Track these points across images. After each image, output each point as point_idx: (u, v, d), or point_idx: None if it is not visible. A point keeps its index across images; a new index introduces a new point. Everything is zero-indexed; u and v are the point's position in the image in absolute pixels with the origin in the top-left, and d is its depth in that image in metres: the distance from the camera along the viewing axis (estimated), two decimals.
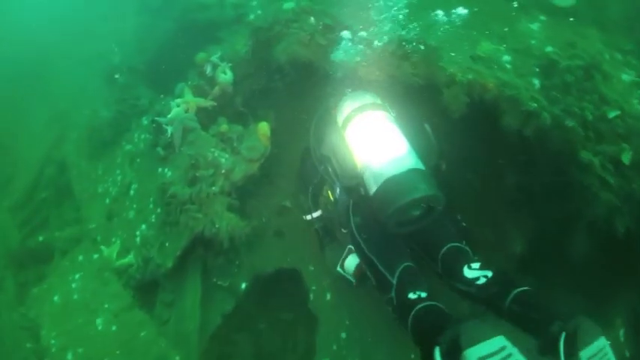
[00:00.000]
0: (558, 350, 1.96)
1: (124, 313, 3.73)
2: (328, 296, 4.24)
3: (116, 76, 5.07)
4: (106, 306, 3.80)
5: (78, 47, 5.91)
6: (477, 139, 3.77)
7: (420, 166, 2.67)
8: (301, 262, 4.51)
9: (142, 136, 4.58)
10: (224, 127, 4.12)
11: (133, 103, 4.73)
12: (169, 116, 4.11)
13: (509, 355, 1.80)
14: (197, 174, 3.86)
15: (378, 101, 3.08)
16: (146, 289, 4.23)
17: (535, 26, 3.56)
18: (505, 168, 3.67)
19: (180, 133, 4.08)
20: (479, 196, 3.94)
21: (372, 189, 2.64)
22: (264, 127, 4.01)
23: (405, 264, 2.67)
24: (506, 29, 3.54)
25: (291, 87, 4.68)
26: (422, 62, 3.37)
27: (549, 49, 3.32)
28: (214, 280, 4.31)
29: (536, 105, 3.00)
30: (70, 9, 6.22)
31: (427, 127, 2.94)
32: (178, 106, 4.17)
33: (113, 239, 4.33)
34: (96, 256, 4.16)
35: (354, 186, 2.83)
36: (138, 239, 4.20)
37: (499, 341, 1.83)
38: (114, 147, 4.79)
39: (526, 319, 2.24)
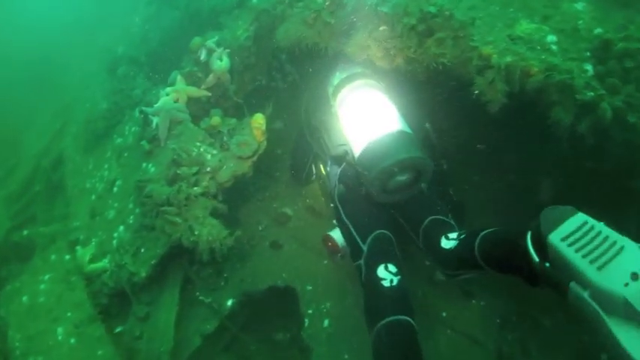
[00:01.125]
0: (529, 253, 1.76)
1: (85, 325, 3.26)
2: (326, 323, 3.65)
3: (118, 67, 4.76)
4: (69, 314, 3.34)
5: (88, 41, 5.72)
6: (515, 138, 3.10)
7: (407, 129, 2.59)
8: (298, 279, 3.94)
9: (132, 129, 4.21)
10: (216, 119, 3.63)
11: (127, 94, 4.36)
12: (156, 106, 3.67)
13: (592, 227, 1.62)
14: (178, 171, 3.36)
15: (368, 71, 2.98)
16: (120, 299, 3.78)
17: (580, 6, 2.87)
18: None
19: (167, 125, 3.62)
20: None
21: (358, 153, 2.58)
22: (258, 120, 3.47)
23: (379, 231, 2.55)
24: (547, 8, 2.86)
25: (293, 85, 4.17)
26: (450, 40, 2.70)
27: (599, 30, 2.62)
28: (197, 294, 3.79)
29: (592, 94, 2.28)
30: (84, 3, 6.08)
31: (428, 126, 2.85)
32: (168, 95, 3.74)
33: (93, 240, 3.94)
34: (68, 257, 3.75)
35: (341, 153, 2.78)
36: (115, 242, 3.76)
37: (579, 218, 1.66)
38: (106, 140, 4.46)
39: (499, 255, 2.09)
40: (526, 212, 1.98)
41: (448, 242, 2.40)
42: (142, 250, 3.58)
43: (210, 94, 3.80)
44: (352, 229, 2.62)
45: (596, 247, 1.55)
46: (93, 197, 4.23)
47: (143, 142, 3.74)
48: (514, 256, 1.88)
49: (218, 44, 3.80)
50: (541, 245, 1.69)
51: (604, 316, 1.48)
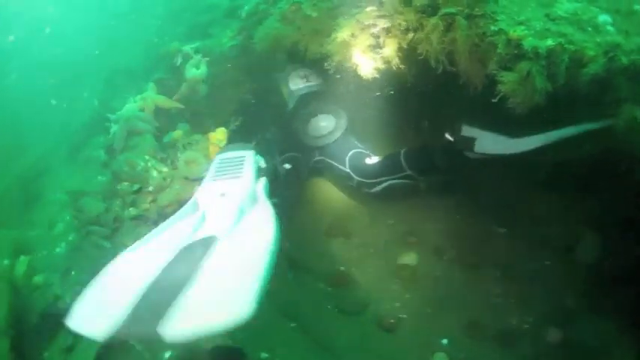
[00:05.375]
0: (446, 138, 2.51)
1: None
2: None
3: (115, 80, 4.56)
4: None
5: (95, 59, 5.63)
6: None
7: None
8: (253, 343, 3.22)
9: (102, 140, 3.85)
10: (177, 133, 3.15)
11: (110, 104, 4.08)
12: (118, 113, 3.29)
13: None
14: (118, 187, 2.89)
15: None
16: (52, 322, 3.30)
17: None
18: None
19: (124, 135, 3.20)
20: None
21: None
22: (218, 135, 2.94)
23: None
24: None
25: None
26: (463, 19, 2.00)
27: None
28: None
29: None
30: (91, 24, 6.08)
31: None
32: (135, 102, 3.35)
33: (38, 252, 3.56)
34: (6, 262, 3.36)
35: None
36: (54, 258, 3.34)
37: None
38: (84, 151, 4.18)
39: (420, 154, 2.69)
40: None
41: (371, 159, 2.81)
42: (72, 273, 3.10)
43: (182, 106, 3.37)
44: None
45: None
46: (56, 207, 3.91)
47: (100, 152, 3.36)
48: (432, 150, 2.56)
49: (197, 51, 3.40)
50: (454, 132, 2.44)
51: (499, 145, 2.36)
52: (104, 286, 1.45)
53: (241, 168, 2.10)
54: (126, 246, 2.75)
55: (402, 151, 2.69)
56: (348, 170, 2.86)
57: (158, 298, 1.28)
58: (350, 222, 3.57)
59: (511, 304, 3.10)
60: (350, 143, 2.92)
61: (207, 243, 1.57)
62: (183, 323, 1.21)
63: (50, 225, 3.77)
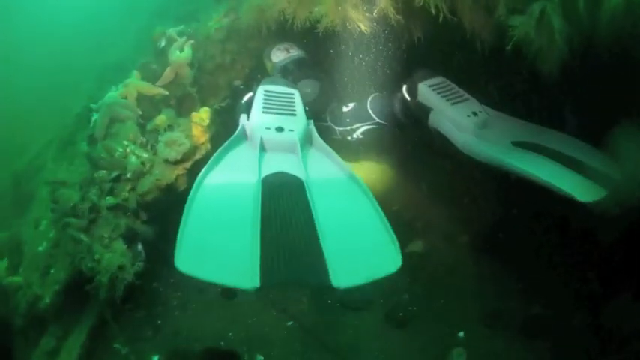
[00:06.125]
0: (404, 95, 2.46)
1: None
2: None
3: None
4: None
5: (90, 56, 5.57)
6: None
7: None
8: (248, 343, 2.99)
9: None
10: (160, 118, 2.94)
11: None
12: (100, 101, 3.11)
13: (448, 84, 2.33)
14: (95, 175, 2.69)
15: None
16: (36, 323, 3.10)
17: None
18: None
19: (105, 122, 3.00)
20: None
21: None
22: (201, 114, 2.74)
23: None
24: None
25: None
26: None
27: None
28: (114, 340, 2.98)
29: None
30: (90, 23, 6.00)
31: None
32: (117, 90, 3.17)
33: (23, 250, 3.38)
34: None
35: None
36: (36, 257, 3.14)
37: (440, 78, 2.36)
38: (72, 146, 4.02)
39: (383, 103, 2.70)
40: None
41: (347, 107, 2.82)
42: (52, 271, 2.90)
43: (166, 92, 3.17)
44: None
45: (450, 94, 2.28)
46: (43, 205, 3.74)
47: (83, 144, 3.17)
48: (394, 101, 2.53)
49: (181, 34, 3.21)
50: (412, 90, 2.38)
51: (455, 129, 2.15)
52: (208, 224, 1.39)
53: (293, 105, 2.11)
54: (101, 239, 2.58)
55: (369, 100, 2.71)
56: (329, 123, 2.81)
57: (289, 242, 1.29)
58: None
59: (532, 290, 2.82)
60: (329, 99, 2.85)
61: (292, 183, 1.59)
62: (349, 272, 1.23)
63: (36, 223, 3.60)
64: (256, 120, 1.98)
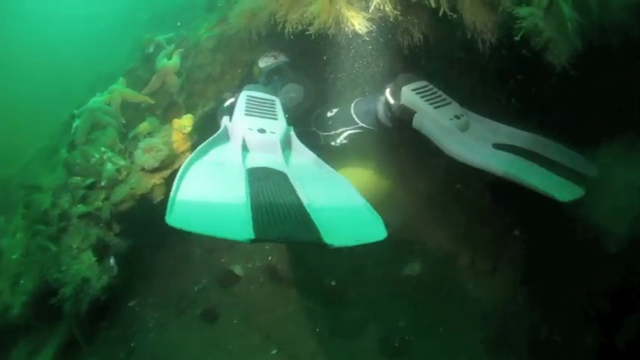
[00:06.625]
0: (387, 98, 2.42)
1: None
2: None
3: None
4: None
5: (86, 67, 5.60)
6: None
7: None
8: None
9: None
10: (143, 125, 2.82)
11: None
12: (81, 108, 3.01)
13: (431, 88, 2.33)
14: (70, 180, 2.55)
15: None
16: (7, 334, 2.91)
17: None
18: None
19: (86, 129, 2.90)
20: None
21: None
22: (184, 121, 2.61)
23: None
24: None
25: None
26: None
27: None
28: None
29: None
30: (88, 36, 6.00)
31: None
32: (102, 95, 3.07)
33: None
34: None
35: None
36: (10, 265, 2.97)
37: (423, 82, 2.36)
38: (57, 153, 3.93)
39: (367, 108, 2.66)
40: None
41: (331, 112, 2.81)
42: (22, 281, 2.72)
43: (152, 101, 3.06)
44: None
45: (433, 98, 2.29)
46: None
47: (62, 150, 3.05)
48: (377, 105, 2.53)
49: (170, 41, 3.14)
50: (396, 94, 2.38)
51: (439, 132, 2.16)
52: (200, 187, 1.46)
53: (275, 111, 2.17)
54: (69, 249, 2.41)
55: (352, 104, 2.69)
56: (313, 129, 2.84)
57: (278, 208, 1.34)
58: None
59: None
60: (315, 103, 2.85)
61: (275, 173, 1.67)
62: (338, 234, 1.26)
63: (15, 230, 3.46)
64: (239, 121, 2.03)
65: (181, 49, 3.08)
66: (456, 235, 3.24)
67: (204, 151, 1.79)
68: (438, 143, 2.12)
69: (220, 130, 2.03)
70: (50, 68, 5.81)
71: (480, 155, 1.97)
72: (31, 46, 6.22)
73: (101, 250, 2.45)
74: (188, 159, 1.68)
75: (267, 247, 3.41)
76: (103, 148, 2.61)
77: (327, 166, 1.82)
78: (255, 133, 1.94)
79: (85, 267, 2.27)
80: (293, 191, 1.49)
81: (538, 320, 2.72)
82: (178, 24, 3.70)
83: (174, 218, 1.26)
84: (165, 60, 3.02)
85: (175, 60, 3.04)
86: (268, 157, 1.85)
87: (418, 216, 3.34)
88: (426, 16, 2.14)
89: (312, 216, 1.31)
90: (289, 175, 1.66)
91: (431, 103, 2.23)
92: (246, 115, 2.06)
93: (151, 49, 3.06)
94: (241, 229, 1.22)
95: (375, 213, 1.45)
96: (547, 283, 2.78)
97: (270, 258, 3.35)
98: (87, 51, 5.37)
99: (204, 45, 3.17)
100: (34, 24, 6.31)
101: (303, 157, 1.95)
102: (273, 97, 2.26)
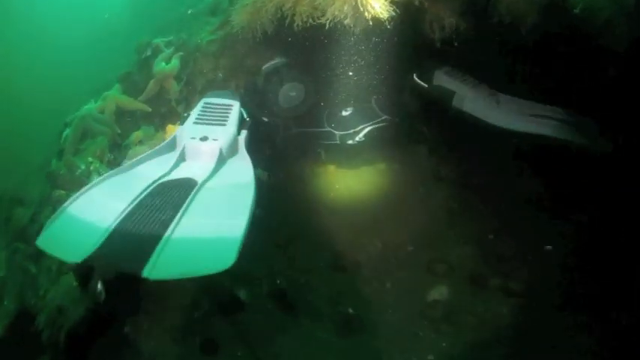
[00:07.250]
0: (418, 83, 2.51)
1: None
2: None
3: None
4: None
5: (89, 75, 5.52)
6: None
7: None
8: None
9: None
10: (137, 134, 2.57)
11: None
12: (72, 116, 2.78)
13: (463, 74, 2.46)
14: (53, 194, 2.28)
15: None
16: None
17: None
18: None
19: (77, 137, 2.66)
20: None
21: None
22: (178, 127, 2.35)
23: None
24: None
25: None
26: None
27: None
28: None
29: None
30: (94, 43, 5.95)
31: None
32: (95, 103, 2.85)
33: None
34: None
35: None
36: None
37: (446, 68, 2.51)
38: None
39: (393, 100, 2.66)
40: None
41: (347, 111, 2.72)
42: (5, 302, 2.44)
43: (149, 109, 2.83)
44: None
45: (465, 80, 2.42)
46: None
47: (53, 161, 2.81)
48: (402, 93, 2.60)
49: (169, 44, 2.92)
50: (427, 78, 2.47)
51: (482, 106, 2.32)
52: (79, 210, 1.44)
53: (226, 116, 2.15)
54: (48, 270, 2.13)
55: (373, 98, 2.69)
56: (328, 128, 2.81)
57: (138, 231, 1.34)
58: (357, 249, 2.97)
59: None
60: (317, 102, 2.80)
61: (186, 184, 1.66)
62: (168, 264, 1.24)
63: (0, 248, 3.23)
64: (185, 130, 2.05)
65: (181, 53, 2.87)
66: (483, 253, 2.89)
67: (138, 162, 1.78)
68: (484, 117, 2.30)
69: (168, 139, 2.06)
70: (53, 77, 5.76)
71: (525, 122, 2.22)
72: (35, 52, 6.23)
73: (85, 273, 2.16)
74: (114, 170, 1.70)
75: (275, 269, 3.11)
76: (90, 159, 2.36)
77: (252, 176, 1.77)
78: (196, 141, 1.96)
79: (61, 292, 1.97)
80: (176, 211, 1.45)
81: (590, 350, 2.34)
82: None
83: (41, 240, 1.27)
84: (162, 64, 2.80)
85: (174, 64, 2.81)
86: (199, 166, 1.85)
87: (440, 230, 3.03)
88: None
89: (159, 247, 1.28)
90: (199, 189, 1.62)
91: (465, 84, 2.41)
92: (195, 123, 2.10)
93: (149, 53, 2.85)
94: (82, 251, 1.22)
95: (237, 241, 1.34)
96: (596, 307, 2.41)
97: (278, 282, 3.04)
98: (89, 58, 5.30)
99: (205, 48, 2.95)
100: (36, 27, 6.35)
101: (235, 165, 1.94)
102: (232, 102, 2.25)
